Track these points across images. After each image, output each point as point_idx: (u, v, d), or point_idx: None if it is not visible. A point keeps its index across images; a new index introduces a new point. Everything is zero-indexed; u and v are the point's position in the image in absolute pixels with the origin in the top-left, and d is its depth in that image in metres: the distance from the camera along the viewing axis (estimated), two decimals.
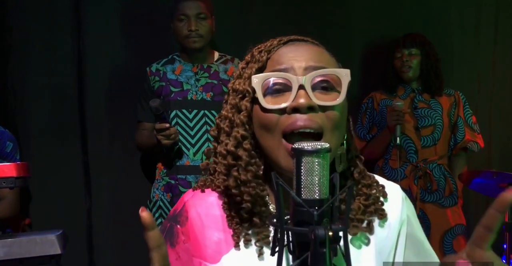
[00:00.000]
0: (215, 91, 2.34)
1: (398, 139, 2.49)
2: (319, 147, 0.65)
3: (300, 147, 0.65)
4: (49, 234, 1.34)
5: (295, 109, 0.80)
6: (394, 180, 2.50)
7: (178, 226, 0.90)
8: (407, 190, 2.53)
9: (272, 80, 0.82)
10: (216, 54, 2.44)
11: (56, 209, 2.51)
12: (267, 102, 0.82)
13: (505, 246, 2.23)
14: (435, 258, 0.96)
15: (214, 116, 2.33)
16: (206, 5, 2.33)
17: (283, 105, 0.80)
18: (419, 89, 2.67)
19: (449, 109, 2.65)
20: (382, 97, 2.70)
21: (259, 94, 0.82)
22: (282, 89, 0.82)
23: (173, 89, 2.33)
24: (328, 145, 0.66)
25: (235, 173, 0.84)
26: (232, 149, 0.84)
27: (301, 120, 0.79)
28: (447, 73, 2.82)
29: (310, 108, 0.79)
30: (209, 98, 2.33)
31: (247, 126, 0.85)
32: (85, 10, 2.58)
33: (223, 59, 2.43)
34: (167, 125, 2.15)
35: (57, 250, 1.33)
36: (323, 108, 0.81)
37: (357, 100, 2.76)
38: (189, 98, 2.32)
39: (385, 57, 2.73)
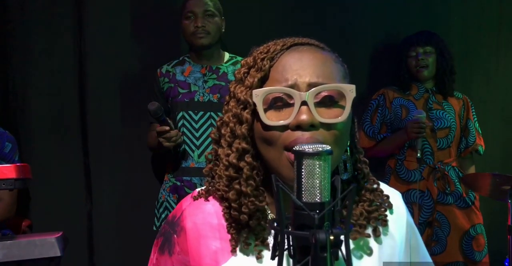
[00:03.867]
0: (222, 93, 2.32)
1: (419, 152, 2.40)
2: (320, 149, 0.64)
3: (301, 149, 0.64)
4: (49, 236, 1.33)
5: (298, 126, 0.78)
6: (411, 182, 2.52)
7: (175, 236, 0.89)
8: (424, 192, 2.51)
9: (273, 95, 0.81)
10: (227, 56, 2.43)
11: (56, 210, 2.50)
12: (268, 118, 0.80)
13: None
14: (427, 258, 0.97)
15: None
16: (214, 4, 2.33)
17: (284, 122, 0.79)
18: (433, 90, 2.64)
19: (460, 112, 2.64)
20: (395, 95, 2.63)
21: (260, 111, 0.80)
22: (284, 104, 0.80)
23: (180, 90, 2.32)
24: (330, 147, 0.65)
25: (237, 186, 0.83)
26: (234, 161, 0.83)
27: (302, 138, 0.77)
28: None
29: (312, 125, 0.78)
30: (215, 100, 2.31)
31: (248, 139, 0.83)
32: (86, 10, 2.57)
33: (233, 61, 2.42)
34: (167, 128, 2.14)
35: (56, 252, 1.32)
36: (326, 125, 0.79)
37: (359, 97, 2.73)
38: (196, 100, 2.31)
39: (390, 55, 2.70)
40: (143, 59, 2.45)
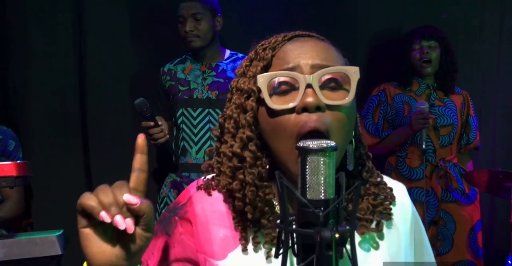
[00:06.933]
0: (220, 89, 2.32)
1: (424, 143, 2.37)
2: (325, 145, 0.63)
3: (305, 145, 0.63)
4: (50, 235, 1.32)
5: (304, 109, 0.77)
6: (414, 180, 2.47)
7: (177, 218, 0.88)
8: (427, 191, 2.43)
9: (278, 80, 0.80)
10: (228, 53, 2.42)
11: (57, 209, 2.50)
12: (274, 103, 0.79)
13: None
14: (431, 255, 0.97)
15: (218, 115, 2.32)
16: (204, 5, 2.29)
17: (290, 105, 0.77)
18: (434, 86, 2.59)
19: (460, 108, 2.60)
20: (396, 91, 2.59)
21: (265, 95, 0.79)
22: (289, 88, 0.79)
23: (181, 88, 2.34)
24: (334, 143, 0.64)
25: (241, 176, 0.82)
26: (238, 150, 0.82)
27: (310, 121, 0.76)
28: None
29: (318, 108, 0.77)
30: (214, 97, 2.32)
31: (253, 127, 0.82)
32: (86, 10, 2.56)
33: (233, 58, 2.41)
34: (151, 123, 2.13)
35: (57, 250, 1.31)
36: (331, 108, 0.78)
37: (359, 94, 2.70)
38: (194, 97, 2.32)
39: (389, 50, 2.66)
40: (142, 58, 2.44)
